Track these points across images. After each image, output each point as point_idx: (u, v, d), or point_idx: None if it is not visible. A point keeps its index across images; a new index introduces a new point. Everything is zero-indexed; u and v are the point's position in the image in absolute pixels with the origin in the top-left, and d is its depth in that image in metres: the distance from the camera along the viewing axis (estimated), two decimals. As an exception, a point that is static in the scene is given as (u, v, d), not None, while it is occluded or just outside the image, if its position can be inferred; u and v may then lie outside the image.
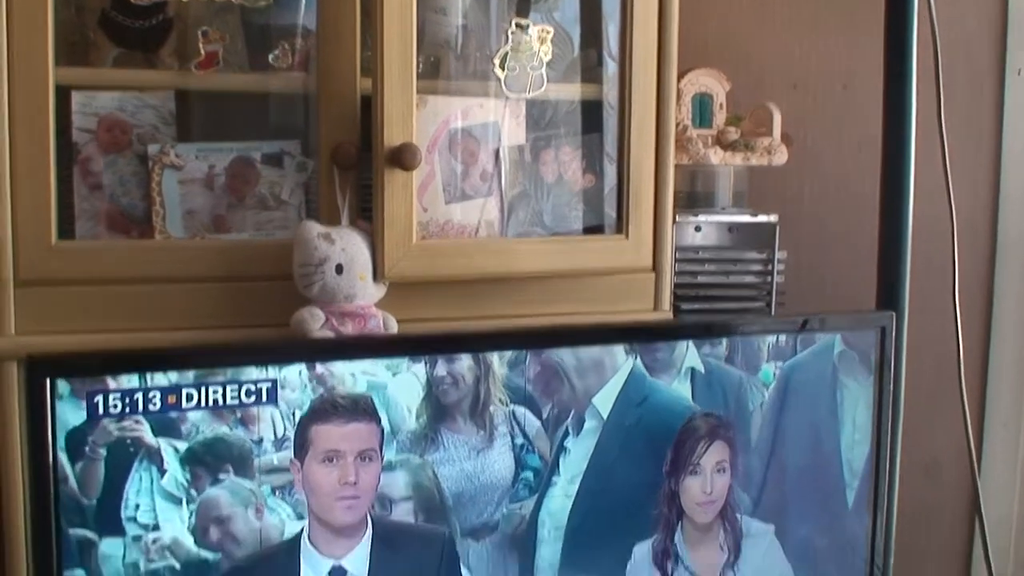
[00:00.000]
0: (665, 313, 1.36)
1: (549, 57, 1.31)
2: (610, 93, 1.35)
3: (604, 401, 1.11)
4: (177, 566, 0.95)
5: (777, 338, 1.18)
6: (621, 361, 1.12)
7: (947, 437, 1.72)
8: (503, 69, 1.29)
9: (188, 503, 0.96)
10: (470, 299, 1.28)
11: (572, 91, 1.37)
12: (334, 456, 1.00)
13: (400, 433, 1.03)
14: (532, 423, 1.09)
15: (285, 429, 0.98)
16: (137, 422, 0.93)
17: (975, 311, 1.78)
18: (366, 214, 1.23)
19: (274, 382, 0.96)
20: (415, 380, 1.03)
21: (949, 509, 1.85)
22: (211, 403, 0.94)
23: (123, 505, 0.94)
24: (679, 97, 1.42)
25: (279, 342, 1.14)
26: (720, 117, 1.50)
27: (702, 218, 1.49)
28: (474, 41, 1.31)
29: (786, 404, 1.19)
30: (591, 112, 1.37)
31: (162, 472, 0.95)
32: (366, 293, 1.21)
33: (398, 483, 1.04)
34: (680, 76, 1.41)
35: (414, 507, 1.05)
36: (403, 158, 1.18)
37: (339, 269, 1.17)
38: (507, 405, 1.08)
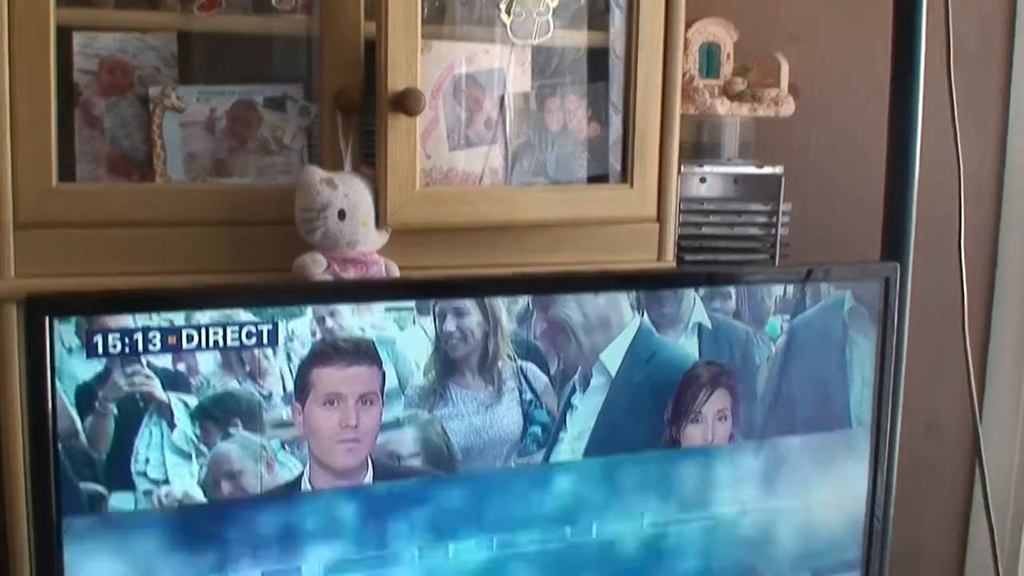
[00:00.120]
0: (669, 264, 1.36)
1: (556, 3, 1.29)
2: (617, 41, 1.33)
3: (612, 358, 1.11)
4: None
5: (784, 291, 1.17)
6: (628, 318, 1.11)
7: (948, 391, 1.72)
8: (509, 14, 1.27)
9: (198, 457, 0.96)
10: (473, 247, 1.28)
11: (578, 38, 1.36)
12: (335, 399, 1.00)
13: (408, 388, 1.03)
14: (540, 379, 1.09)
15: (290, 374, 0.98)
16: (148, 377, 0.93)
17: (980, 265, 1.78)
18: (369, 160, 1.22)
19: (275, 324, 0.96)
20: (423, 335, 1.03)
21: (949, 462, 1.85)
22: (211, 344, 0.93)
23: (133, 460, 0.94)
24: (686, 47, 1.41)
25: (281, 285, 1.14)
26: (727, 67, 1.48)
27: (707, 169, 1.48)
28: (480, -15, 1.30)
29: (794, 358, 1.19)
30: (597, 60, 1.35)
31: (172, 427, 0.95)
32: (368, 239, 1.20)
33: (406, 439, 1.04)
34: (688, 25, 1.39)
35: (422, 462, 1.05)
36: (407, 103, 1.16)
37: (341, 215, 1.17)
38: (515, 361, 1.07)
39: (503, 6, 1.27)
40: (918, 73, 1.33)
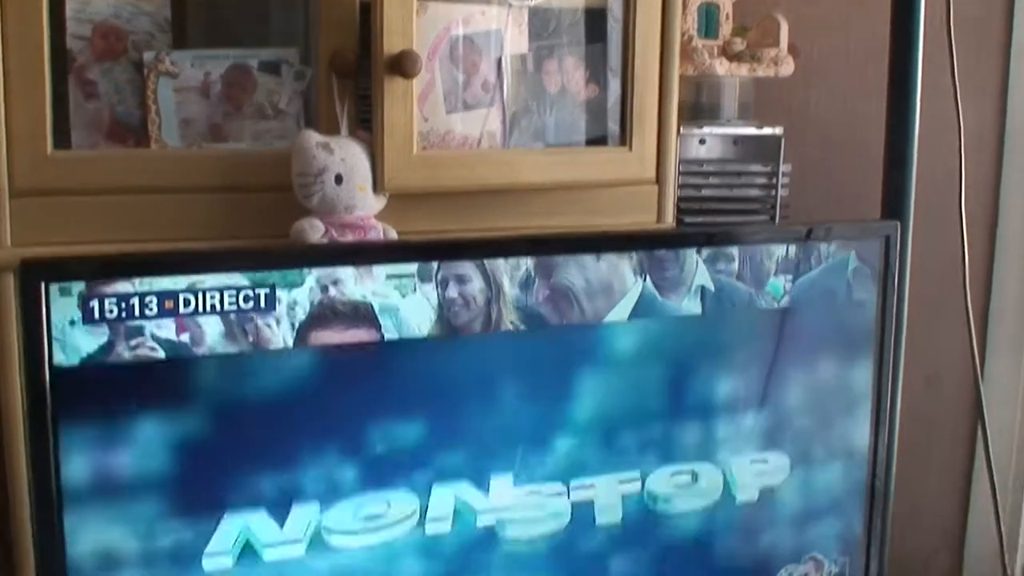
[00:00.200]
0: (668, 226, 1.35)
1: (552, -36, 1.28)
2: (614, 2, 1.32)
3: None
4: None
5: (787, 251, 1.17)
6: (631, 283, 1.10)
7: (949, 349, 1.72)
8: (505, -25, 1.27)
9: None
10: (471, 211, 1.27)
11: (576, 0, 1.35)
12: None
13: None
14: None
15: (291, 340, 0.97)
16: (152, 349, 0.92)
17: (981, 222, 1.77)
18: (366, 125, 1.21)
19: (272, 287, 0.95)
20: (426, 302, 1.02)
21: (951, 420, 1.85)
22: (208, 308, 0.93)
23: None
24: (684, 7, 1.39)
25: (279, 248, 1.13)
26: (726, 28, 1.47)
27: (706, 130, 1.48)
28: (475, -55, 1.29)
29: (798, 319, 1.18)
30: (595, 21, 1.34)
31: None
32: (366, 204, 1.19)
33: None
34: (686, -15, 1.38)
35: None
36: (403, 65, 1.16)
37: (338, 179, 1.16)
38: (518, 327, 1.07)
39: (499, -33, 1.27)
40: (918, 31, 1.32)
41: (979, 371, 1.42)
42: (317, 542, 1.00)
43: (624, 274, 1.10)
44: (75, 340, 0.90)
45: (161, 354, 0.93)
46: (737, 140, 1.49)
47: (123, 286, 0.91)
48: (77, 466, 0.91)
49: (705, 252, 1.13)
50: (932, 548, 1.90)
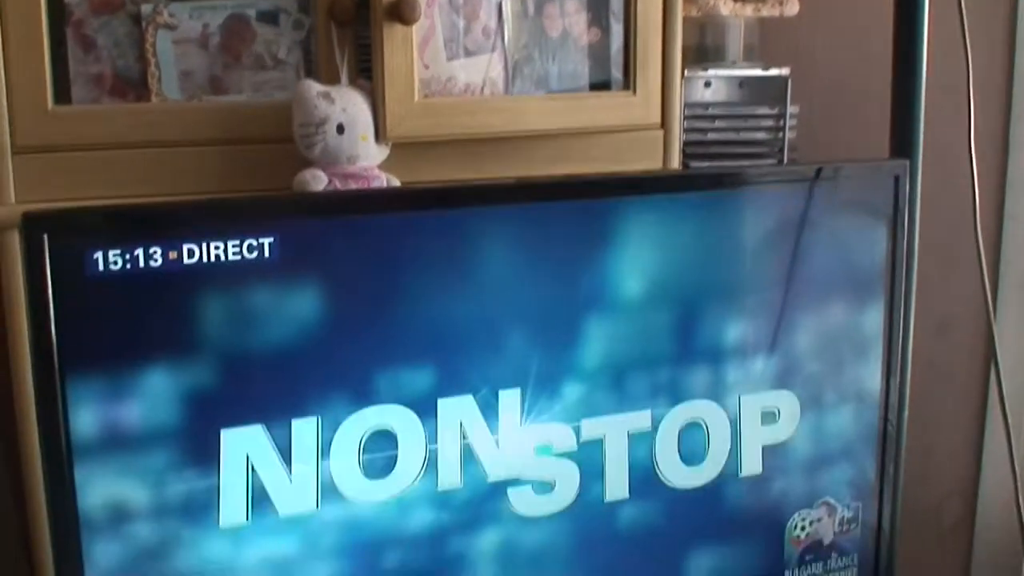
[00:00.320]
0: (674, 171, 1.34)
1: (551, -95, 1.27)
2: (616, -59, 1.31)
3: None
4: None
5: (794, 191, 1.16)
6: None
7: (960, 291, 1.71)
8: (504, -83, 1.25)
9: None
10: (474, 160, 1.26)
11: (576, -59, 1.33)
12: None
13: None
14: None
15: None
16: (157, 301, 0.92)
17: (991, 162, 1.76)
18: (366, 74, 1.21)
19: (275, 237, 0.95)
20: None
21: (963, 364, 1.85)
22: (213, 258, 0.93)
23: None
24: (687, -53, 1.38)
25: (283, 196, 1.13)
26: (730, -33, 1.46)
27: (711, 73, 1.46)
28: None
29: (807, 263, 1.18)
30: (596, -37, 1.33)
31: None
32: (368, 154, 1.19)
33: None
34: (689, -76, 1.36)
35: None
36: (402, 12, 1.14)
37: (340, 129, 1.15)
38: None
39: (498, -92, 1.25)
40: (925, -33, 1.30)
41: (992, 315, 1.41)
42: (328, 492, 1.01)
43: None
44: (79, 293, 0.90)
45: (166, 306, 0.92)
46: (743, 82, 1.47)
47: (127, 239, 0.90)
48: (84, 420, 0.91)
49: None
50: (945, 493, 1.90)
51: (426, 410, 1.03)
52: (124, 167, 1.17)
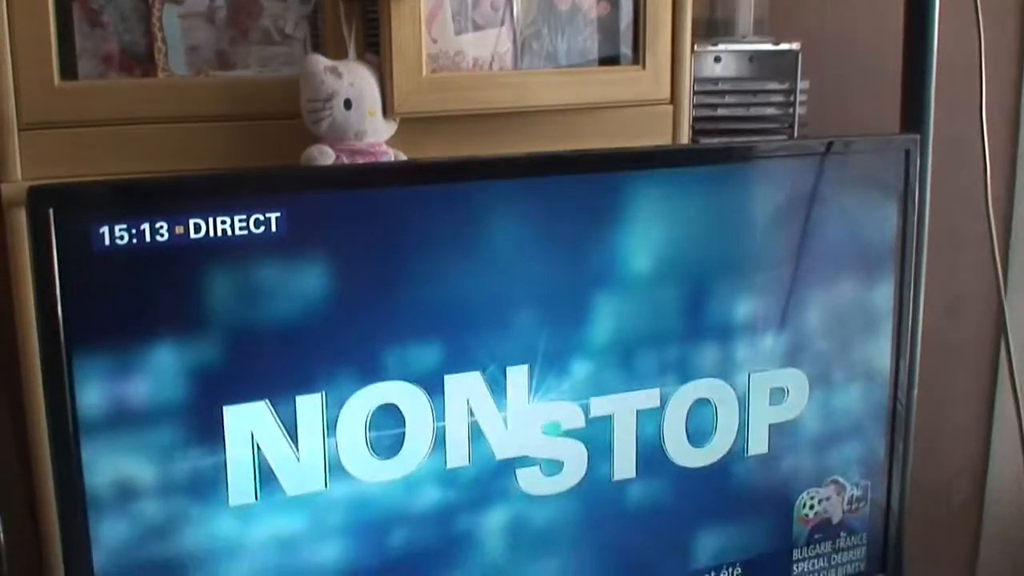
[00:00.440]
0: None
1: None
2: (625, -86, 1.30)
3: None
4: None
5: (805, 166, 1.15)
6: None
7: (971, 268, 1.70)
8: None
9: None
10: (483, 136, 1.26)
11: (585, -87, 1.32)
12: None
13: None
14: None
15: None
16: (164, 275, 0.91)
17: (1001, 142, 1.74)
18: (374, 48, 1.20)
19: (283, 211, 0.94)
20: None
21: (972, 341, 1.84)
22: (219, 233, 0.92)
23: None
24: (697, -81, 1.37)
25: (289, 169, 1.13)
26: (740, -60, 1.44)
27: (721, 47, 1.45)
28: None
29: (816, 239, 1.17)
30: (605, -64, 1.32)
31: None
32: (376, 130, 1.18)
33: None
34: None
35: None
36: (409, -15, 1.14)
37: (347, 104, 1.15)
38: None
39: None
40: (936, -58, 1.29)
41: (1003, 292, 1.41)
42: (336, 470, 1.01)
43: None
44: (86, 269, 0.89)
45: (172, 281, 0.92)
46: (753, 57, 1.46)
47: (133, 213, 0.90)
48: (91, 397, 0.91)
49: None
50: (954, 472, 1.90)
51: (433, 387, 1.03)
52: (131, 143, 1.17)
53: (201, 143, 1.18)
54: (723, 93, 1.45)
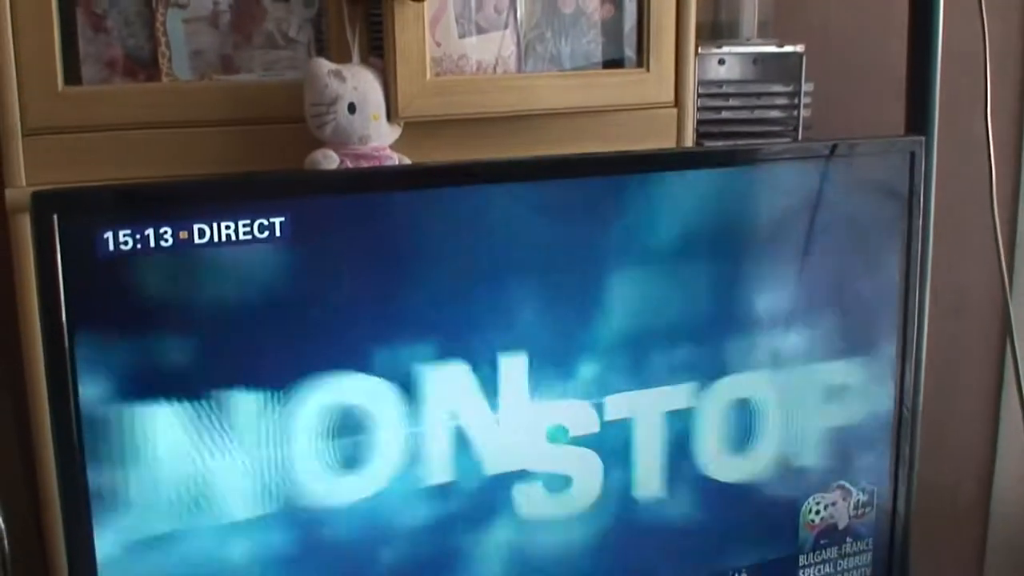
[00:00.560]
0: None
1: None
2: (629, -83, 1.30)
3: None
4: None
5: (809, 168, 1.15)
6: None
7: (976, 270, 1.70)
8: None
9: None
10: (487, 140, 1.26)
11: (589, -84, 1.32)
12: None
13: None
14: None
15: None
16: (168, 280, 0.92)
17: (1005, 143, 1.74)
18: (378, 52, 1.20)
19: (287, 216, 0.94)
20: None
21: (978, 344, 1.84)
22: (224, 238, 0.92)
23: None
24: (701, -79, 1.36)
25: (293, 173, 1.13)
26: (744, -58, 1.44)
27: (725, 50, 1.45)
28: None
29: (821, 239, 1.17)
30: (609, -62, 1.32)
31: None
32: (380, 134, 1.18)
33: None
34: (702, -101, 1.35)
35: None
36: (413, -12, 1.14)
37: (351, 108, 1.15)
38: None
39: None
40: (940, -57, 1.29)
41: (1008, 294, 1.40)
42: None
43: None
44: (90, 274, 0.89)
45: (176, 286, 0.92)
46: (757, 59, 1.46)
47: (137, 218, 0.90)
48: (96, 403, 0.91)
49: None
50: (960, 476, 1.89)
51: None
52: (135, 148, 1.16)
53: (205, 148, 1.18)
54: (727, 96, 1.44)
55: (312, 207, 0.96)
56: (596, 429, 1.06)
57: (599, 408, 1.06)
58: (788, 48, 1.45)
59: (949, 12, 1.29)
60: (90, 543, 0.92)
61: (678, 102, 1.32)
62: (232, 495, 0.96)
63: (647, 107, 1.31)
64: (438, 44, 1.22)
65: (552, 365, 1.03)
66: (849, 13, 1.67)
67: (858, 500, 1.24)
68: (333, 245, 0.97)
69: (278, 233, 0.94)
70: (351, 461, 0.99)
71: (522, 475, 1.03)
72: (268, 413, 0.96)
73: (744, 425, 1.16)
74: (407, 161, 1.20)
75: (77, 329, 0.89)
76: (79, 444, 0.91)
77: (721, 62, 1.45)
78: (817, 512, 1.22)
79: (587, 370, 1.05)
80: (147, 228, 0.90)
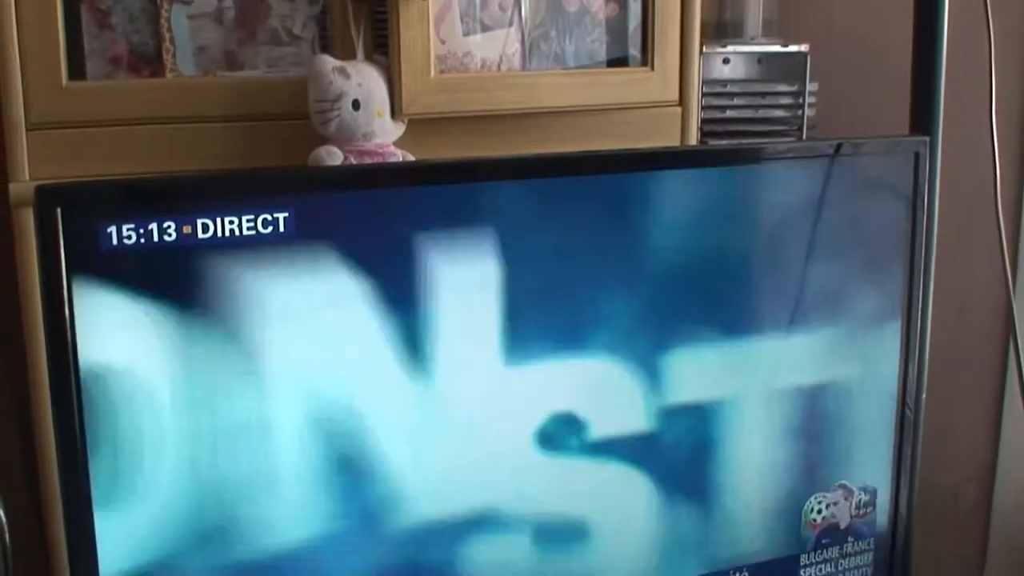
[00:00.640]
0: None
1: None
2: (633, -83, 1.29)
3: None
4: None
5: (813, 168, 1.15)
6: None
7: (980, 271, 1.70)
8: None
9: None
10: (490, 137, 1.26)
11: (593, -86, 1.32)
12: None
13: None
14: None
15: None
16: (172, 274, 0.91)
17: (1010, 144, 1.74)
18: (382, 49, 1.20)
19: (291, 212, 0.94)
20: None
21: (981, 347, 1.83)
22: (227, 234, 0.92)
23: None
24: (706, -81, 1.36)
25: (297, 170, 1.12)
26: (749, -60, 1.44)
27: (730, 49, 1.44)
28: None
29: (825, 239, 1.17)
30: (613, -63, 1.32)
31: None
32: (384, 131, 1.18)
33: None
34: (708, -102, 1.35)
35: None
36: (418, -15, 1.14)
37: (356, 105, 1.15)
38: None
39: None
40: (945, -58, 1.28)
41: (1012, 295, 1.40)
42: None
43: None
44: (93, 268, 0.89)
45: (179, 281, 0.92)
46: (762, 59, 1.46)
47: (141, 213, 0.90)
48: (99, 399, 0.91)
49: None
50: (962, 477, 1.89)
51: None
52: (139, 143, 1.16)
53: (209, 144, 1.18)
54: (732, 95, 1.44)
55: (316, 203, 0.96)
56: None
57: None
58: (793, 48, 1.45)
59: (954, 12, 1.29)
60: (91, 537, 0.92)
61: (682, 101, 1.32)
62: (235, 493, 0.96)
63: (651, 106, 1.31)
64: (442, 41, 1.22)
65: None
66: (854, 13, 1.66)
67: (860, 500, 1.24)
68: (336, 241, 0.97)
69: (282, 229, 0.94)
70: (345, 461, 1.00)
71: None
72: (269, 412, 0.96)
73: (746, 424, 1.16)
74: (411, 158, 1.20)
75: (80, 324, 0.89)
76: (81, 438, 0.91)
77: (726, 61, 1.45)
78: (819, 511, 1.21)
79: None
80: (150, 223, 0.90)
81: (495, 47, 1.26)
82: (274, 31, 1.22)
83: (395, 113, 1.18)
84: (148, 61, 1.21)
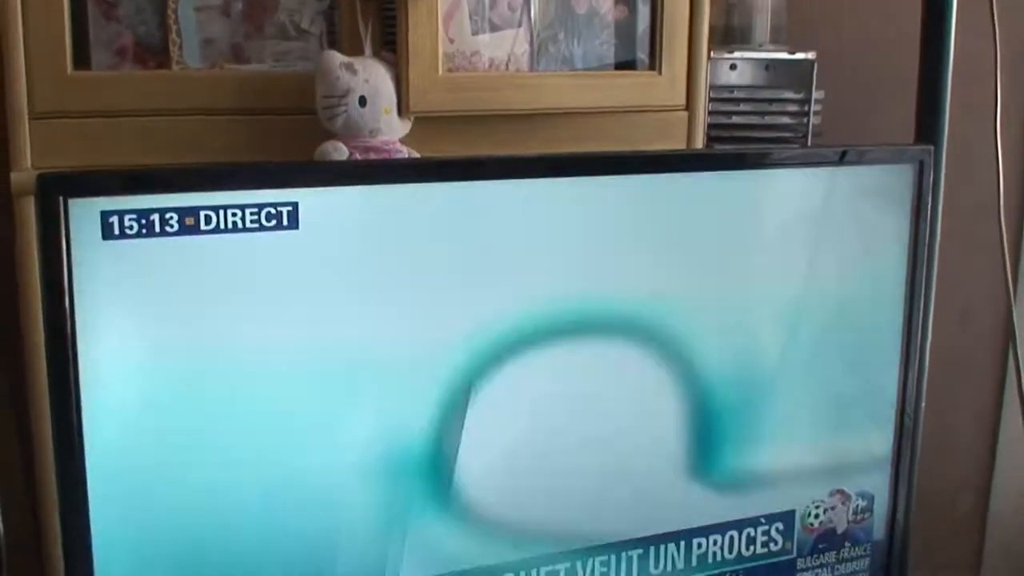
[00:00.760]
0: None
1: None
2: (644, -81, 1.29)
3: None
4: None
5: (817, 174, 1.15)
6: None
7: (981, 280, 1.70)
8: None
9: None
10: (497, 138, 1.25)
11: (603, -83, 1.32)
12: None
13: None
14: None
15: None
16: (173, 265, 0.91)
17: (1014, 151, 1.74)
18: (390, 46, 1.20)
19: (295, 205, 0.94)
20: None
21: (981, 356, 1.84)
22: (230, 226, 0.92)
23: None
24: (716, -75, 1.36)
25: (301, 164, 1.12)
26: (758, -53, 1.44)
27: (738, 55, 1.45)
28: None
29: (828, 246, 1.17)
30: (623, -60, 1.32)
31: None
32: (391, 128, 1.18)
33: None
34: (718, -97, 1.35)
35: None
36: (427, -17, 1.14)
37: (363, 101, 1.15)
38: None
39: None
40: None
41: (1013, 304, 1.40)
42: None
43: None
44: (94, 257, 0.89)
45: (182, 271, 0.92)
46: (769, 65, 1.46)
47: (143, 202, 0.89)
48: (99, 387, 0.90)
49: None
50: (960, 485, 1.90)
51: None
52: (143, 135, 1.16)
53: (214, 136, 1.17)
54: (738, 101, 1.44)
55: (320, 196, 0.96)
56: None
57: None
58: (800, 55, 1.45)
59: (961, 21, 1.29)
60: (87, 537, 0.92)
61: (689, 106, 1.31)
62: (237, 490, 0.96)
63: (658, 109, 1.31)
64: (451, 40, 1.22)
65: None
66: (861, 21, 1.67)
67: (857, 505, 1.24)
68: (340, 235, 0.97)
69: (286, 222, 0.94)
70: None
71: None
72: (271, 411, 0.96)
73: (745, 427, 1.16)
74: (416, 155, 1.20)
75: (81, 314, 0.89)
76: (79, 433, 0.90)
77: (733, 67, 1.45)
78: (816, 516, 1.21)
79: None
80: (153, 213, 0.89)
81: (503, 47, 1.26)
82: (282, 25, 1.22)
83: (402, 110, 1.18)
84: (154, 53, 1.20)
